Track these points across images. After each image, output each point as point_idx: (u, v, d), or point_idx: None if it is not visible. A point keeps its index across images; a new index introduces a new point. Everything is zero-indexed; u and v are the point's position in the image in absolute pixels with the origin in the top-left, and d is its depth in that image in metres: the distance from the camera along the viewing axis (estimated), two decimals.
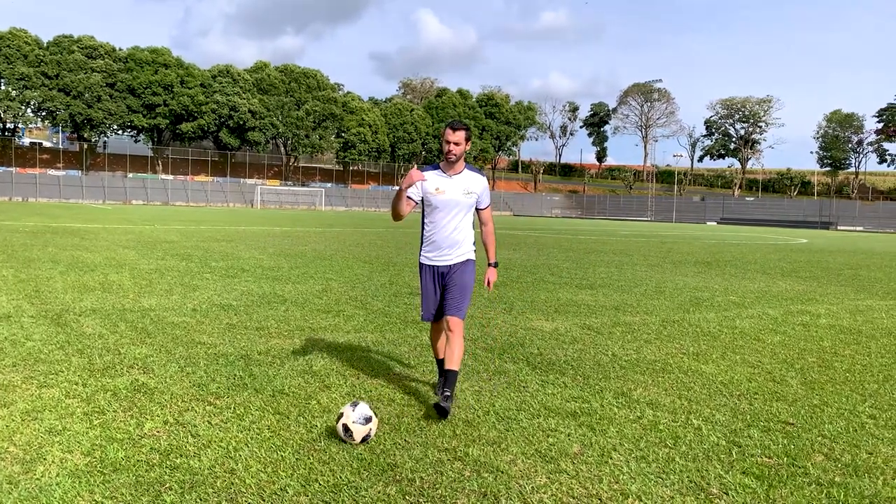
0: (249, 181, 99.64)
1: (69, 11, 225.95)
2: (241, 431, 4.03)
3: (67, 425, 4.02)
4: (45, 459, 3.51)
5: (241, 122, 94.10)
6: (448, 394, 4.38)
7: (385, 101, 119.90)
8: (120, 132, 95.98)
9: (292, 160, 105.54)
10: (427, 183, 4.64)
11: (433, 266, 4.77)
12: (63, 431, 3.92)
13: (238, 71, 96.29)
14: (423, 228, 4.81)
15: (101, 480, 3.28)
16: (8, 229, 22.24)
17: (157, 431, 3.98)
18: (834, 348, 7.20)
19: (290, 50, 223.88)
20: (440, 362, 4.95)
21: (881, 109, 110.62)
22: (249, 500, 3.13)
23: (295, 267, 13.28)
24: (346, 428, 3.84)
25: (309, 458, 3.64)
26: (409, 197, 4.61)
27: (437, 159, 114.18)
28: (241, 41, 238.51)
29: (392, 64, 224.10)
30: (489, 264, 4.96)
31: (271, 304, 8.73)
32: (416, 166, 4.56)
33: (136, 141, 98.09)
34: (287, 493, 3.23)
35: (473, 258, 4.84)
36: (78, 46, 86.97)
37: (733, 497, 3.37)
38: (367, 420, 3.86)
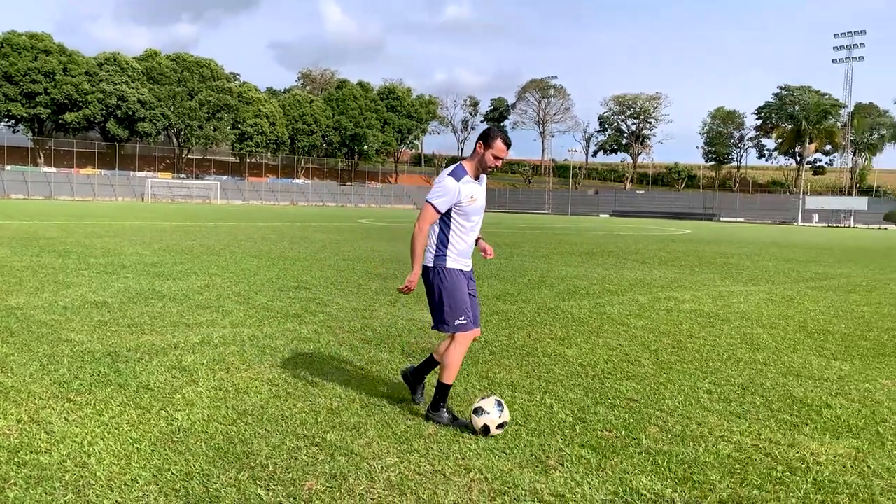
0: (139, 174, 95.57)
1: None
2: (99, 427, 4.01)
3: None
4: None
5: (130, 113, 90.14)
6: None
7: (284, 92, 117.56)
8: None
9: (185, 152, 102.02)
10: (463, 191, 4.25)
11: (463, 271, 4.42)
12: None
13: (126, 59, 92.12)
14: (447, 235, 4.34)
15: None
16: None
17: (9, 430, 3.92)
18: (690, 331, 7.75)
19: (186, 38, 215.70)
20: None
21: (759, 107, 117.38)
22: (97, 492, 3.15)
23: (179, 262, 12.98)
24: (500, 426, 4.07)
25: (165, 450, 3.68)
26: (436, 210, 4.24)
27: (338, 152, 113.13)
28: (133, 27, 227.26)
29: (293, 54, 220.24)
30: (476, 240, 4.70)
31: (148, 300, 8.56)
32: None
33: (14, 131, 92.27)
34: (138, 482, 3.27)
35: None
36: None
37: (568, 467, 3.66)
38: (500, 405, 4.10)
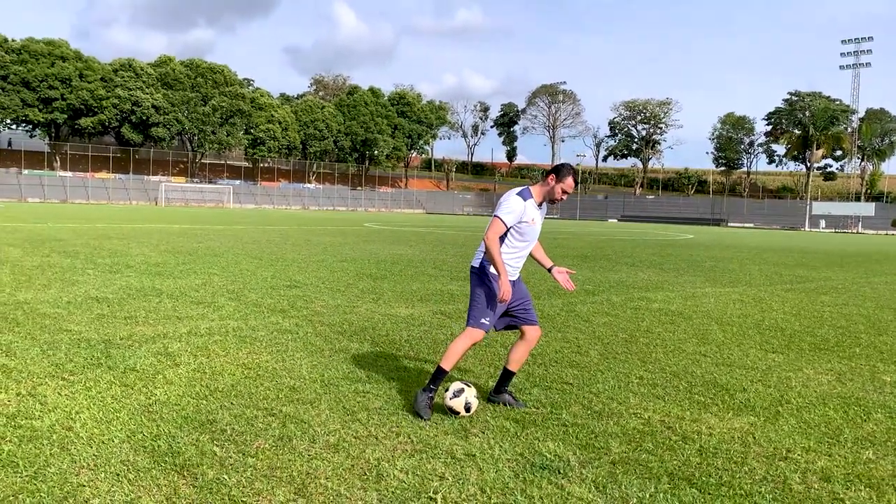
0: (153, 178, 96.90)
1: None
2: (86, 399, 4.60)
3: None
4: None
5: (145, 118, 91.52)
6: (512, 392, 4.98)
7: (296, 98, 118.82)
8: (14, 126, 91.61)
9: (198, 157, 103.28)
10: (526, 213, 4.60)
11: (509, 280, 4.68)
12: None
13: (141, 65, 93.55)
14: (500, 247, 4.65)
15: None
16: None
17: (8, 401, 4.52)
18: (648, 327, 8.26)
19: (201, 43, 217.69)
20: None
21: (769, 113, 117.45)
22: (78, 448, 3.75)
23: (182, 263, 13.61)
24: (450, 409, 4.48)
25: (140, 418, 4.27)
26: (504, 224, 4.55)
27: (349, 157, 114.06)
28: (148, 32, 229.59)
29: (306, 58, 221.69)
30: (549, 269, 5.02)
31: (147, 296, 9.17)
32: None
33: (31, 136, 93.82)
34: (113, 441, 3.86)
35: None
36: None
37: (487, 435, 4.21)
38: (459, 392, 4.48)
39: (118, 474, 3.43)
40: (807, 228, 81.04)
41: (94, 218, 35.93)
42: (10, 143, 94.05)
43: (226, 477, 3.44)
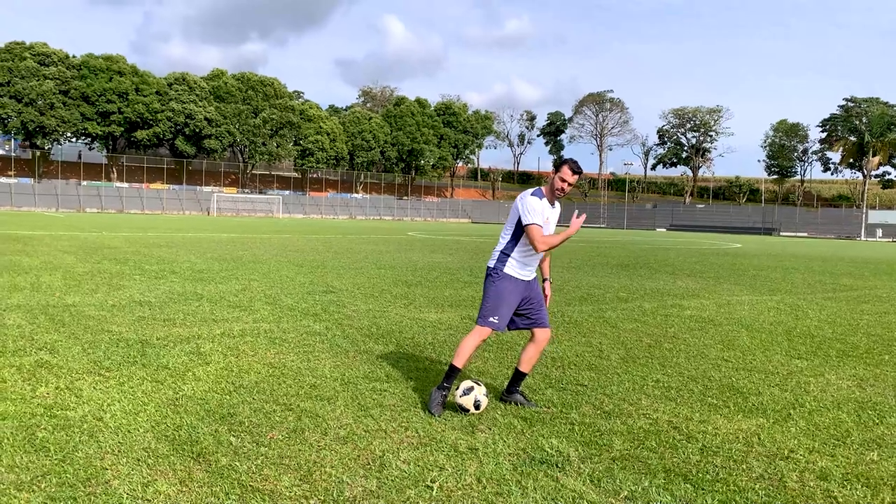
0: (206, 189, 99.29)
1: (22, 16, 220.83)
2: (118, 394, 4.89)
3: None
4: None
5: (197, 130, 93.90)
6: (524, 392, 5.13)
7: (345, 110, 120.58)
8: (73, 139, 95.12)
9: (249, 168, 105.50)
10: (544, 211, 4.77)
11: (521, 279, 4.90)
12: None
13: (194, 78, 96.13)
14: (514, 247, 4.86)
15: None
16: None
17: (48, 394, 4.83)
18: (676, 334, 8.27)
19: (254, 56, 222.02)
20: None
21: (824, 119, 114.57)
22: (105, 436, 4.01)
23: (225, 270, 14.05)
24: (460, 406, 4.63)
25: (166, 410, 4.53)
26: (539, 226, 4.69)
27: (395, 167, 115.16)
28: (203, 46, 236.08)
29: (357, 70, 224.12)
30: (544, 280, 5.26)
31: (187, 300, 9.54)
32: (576, 213, 4.83)
33: (90, 148, 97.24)
34: (138, 431, 4.12)
35: None
36: (30, 53, 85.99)
37: (494, 431, 4.35)
38: (469, 390, 4.65)
39: (139, 460, 3.68)
40: (863, 238, 78.72)
41: (146, 227, 37.08)
42: (80, 156, 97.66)
43: (238, 464, 3.66)
